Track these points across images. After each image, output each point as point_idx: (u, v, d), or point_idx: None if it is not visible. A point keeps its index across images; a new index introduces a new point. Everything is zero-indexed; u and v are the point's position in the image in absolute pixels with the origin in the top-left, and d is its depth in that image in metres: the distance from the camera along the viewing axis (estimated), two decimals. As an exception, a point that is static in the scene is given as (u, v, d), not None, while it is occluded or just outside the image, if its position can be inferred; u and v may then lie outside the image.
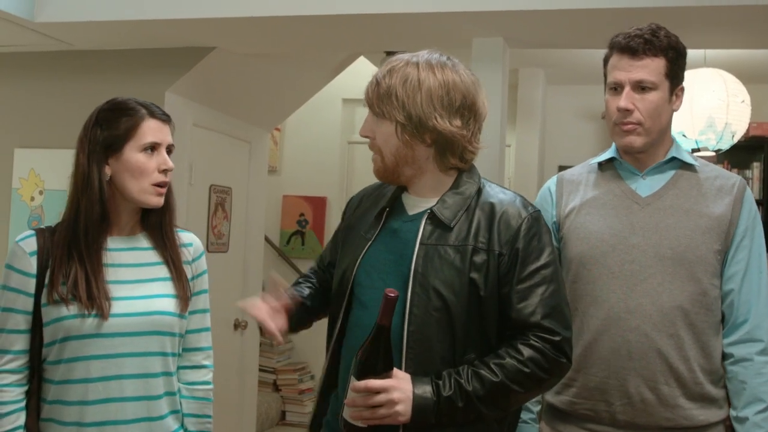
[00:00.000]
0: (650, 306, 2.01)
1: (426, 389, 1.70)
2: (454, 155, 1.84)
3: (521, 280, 1.76)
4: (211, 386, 2.16)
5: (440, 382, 1.71)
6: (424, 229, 1.81)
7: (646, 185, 2.11)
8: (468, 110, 1.82)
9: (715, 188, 2.08)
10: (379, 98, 1.82)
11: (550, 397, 2.15)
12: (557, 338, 1.75)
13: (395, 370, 1.71)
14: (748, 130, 4.41)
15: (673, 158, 2.11)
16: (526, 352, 1.73)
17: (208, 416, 2.14)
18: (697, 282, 2.01)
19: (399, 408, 1.68)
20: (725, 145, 4.24)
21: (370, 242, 1.88)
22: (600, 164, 2.19)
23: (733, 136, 4.22)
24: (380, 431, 1.73)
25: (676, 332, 2.00)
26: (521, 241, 1.78)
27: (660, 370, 1.99)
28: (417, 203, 1.87)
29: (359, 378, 1.69)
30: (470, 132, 1.83)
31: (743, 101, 4.19)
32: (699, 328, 2.02)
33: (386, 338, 1.68)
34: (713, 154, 4.30)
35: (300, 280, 2.12)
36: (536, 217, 1.82)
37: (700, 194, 2.07)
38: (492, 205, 1.82)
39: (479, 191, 1.85)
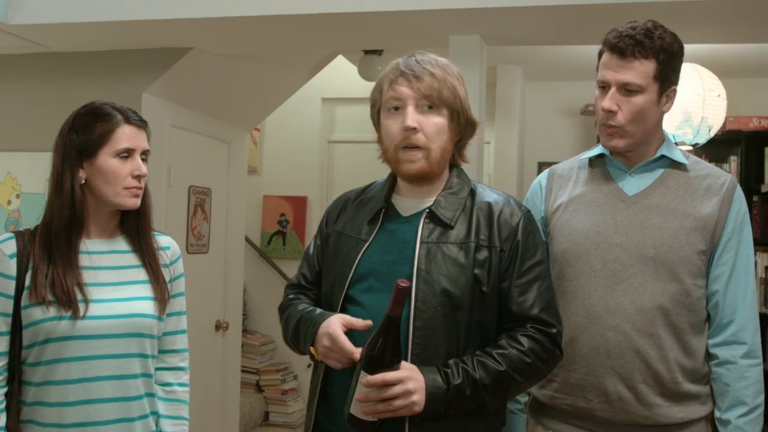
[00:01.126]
0: (630, 305, 2.00)
1: (436, 378, 1.75)
2: (465, 150, 1.96)
3: (521, 275, 1.86)
4: (187, 388, 2.18)
5: (449, 371, 1.76)
6: (423, 228, 1.87)
7: (634, 183, 2.09)
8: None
9: (703, 187, 2.06)
10: (436, 86, 1.83)
11: (534, 390, 2.17)
12: (553, 330, 1.86)
13: (402, 362, 1.74)
14: (724, 124, 4.45)
15: (663, 156, 2.09)
16: (527, 342, 1.82)
17: (185, 418, 2.16)
18: (680, 282, 2.00)
19: (415, 398, 1.72)
20: (702, 140, 4.27)
21: (368, 244, 1.91)
22: (590, 160, 2.18)
23: (709, 130, 4.25)
24: (386, 424, 1.76)
25: (656, 332, 1.99)
26: (520, 238, 1.88)
27: (638, 369, 1.99)
28: (410, 205, 1.93)
29: (372, 372, 1.70)
30: None
31: (719, 95, 4.22)
32: (680, 328, 2.01)
33: (397, 330, 1.71)
34: (690, 148, 4.33)
35: (296, 299, 2.06)
36: (530, 215, 1.94)
37: (687, 193, 2.05)
38: (489, 205, 1.91)
39: (472, 192, 1.94)
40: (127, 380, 2.00)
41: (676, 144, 4.21)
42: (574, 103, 5.53)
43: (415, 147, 1.84)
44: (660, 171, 2.09)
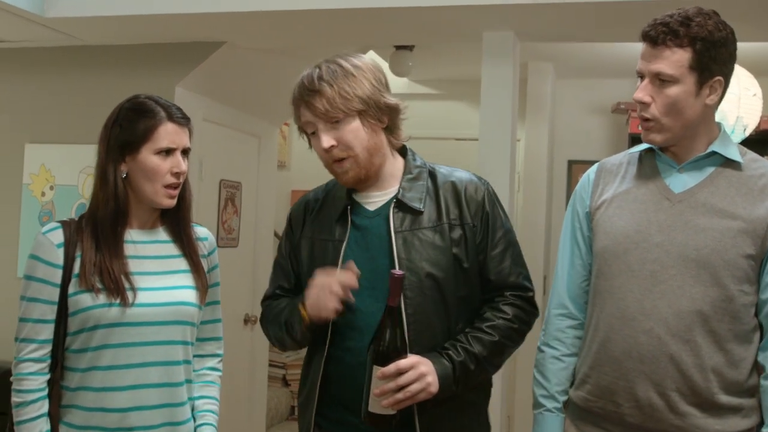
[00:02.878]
0: (666, 309, 1.90)
1: (441, 360, 1.86)
2: (397, 131, 2.00)
3: (494, 246, 1.98)
4: (220, 373, 2.25)
5: (450, 352, 1.88)
6: (393, 218, 1.92)
7: (682, 181, 1.98)
8: (389, 87, 1.98)
9: (758, 188, 1.92)
10: (330, 104, 1.87)
11: (571, 391, 2.11)
12: (530, 293, 2.02)
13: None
14: (759, 123, 4.38)
15: (715, 153, 1.97)
16: (510, 310, 1.97)
17: (215, 398, 2.20)
18: (722, 287, 1.88)
19: (429, 379, 1.81)
20: (737, 139, 4.22)
21: (345, 243, 1.94)
22: (641, 154, 2.08)
23: (744, 129, 4.19)
24: (403, 415, 1.83)
25: (693, 338, 1.88)
26: (488, 210, 1.98)
27: (671, 376, 1.89)
28: (373, 198, 1.98)
29: (384, 365, 1.76)
30: None
31: (755, 94, 4.16)
32: (721, 335, 1.89)
33: (399, 319, 1.81)
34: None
35: (273, 304, 2.10)
36: (490, 187, 2.04)
37: (738, 193, 1.92)
38: (454, 184, 1.99)
39: (431, 174, 2.01)
40: (171, 366, 2.03)
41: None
42: (605, 101, 5.48)
43: (341, 159, 1.92)
44: (711, 169, 1.97)
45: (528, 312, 2.01)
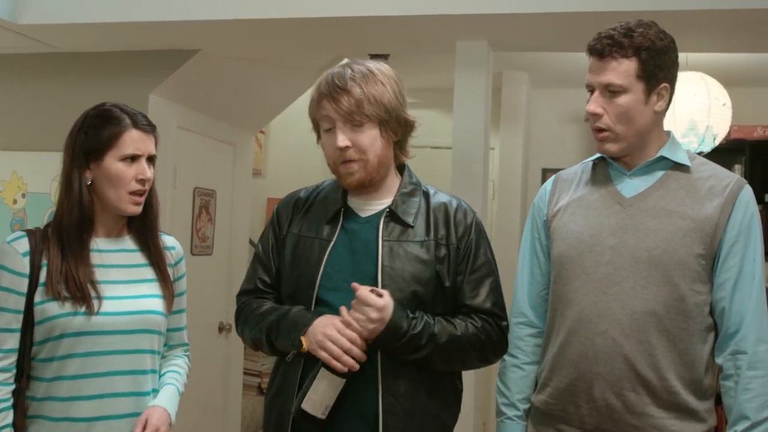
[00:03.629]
0: (620, 310, 1.95)
1: (404, 312, 1.89)
2: (406, 147, 2.05)
3: (473, 271, 2.00)
4: (186, 369, 2.24)
5: (415, 315, 1.90)
6: (383, 227, 1.95)
7: (632, 185, 2.05)
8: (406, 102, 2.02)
9: (705, 189, 1.98)
10: (358, 104, 1.89)
11: (533, 396, 2.16)
12: (504, 323, 2.04)
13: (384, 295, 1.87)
14: (729, 132, 4.44)
15: (663, 158, 2.03)
16: (480, 323, 1.98)
17: (181, 373, 2.20)
18: (674, 287, 1.93)
19: (372, 326, 1.85)
20: (707, 148, 4.27)
21: (332, 244, 1.96)
22: (594, 163, 2.15)
23: (714, 138, 4.25)
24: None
25: (647, 338, 1.93)
26: (473, 236, 2.02)
27: (626, 377, 1.94)
28: (367, 206, 2.01)
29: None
30: None
31: (724, 104, 4.22)
32: (675, 334, 1.94)
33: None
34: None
35: (258, 301, 2.08)
36: (478, 218, 2.08)
37: (687, 195, 1.99)
38: (445, 206, 2.03)
39: (425, 193, 2.05)
40: (138, 375, 2.03)
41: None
42: (580, 111, 5.50)
43: (351, 160, 1.94)
44: (660, 173, 2.04)
45: (498, 335, 2.01)
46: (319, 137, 2.03)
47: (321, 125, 1.99)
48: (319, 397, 1.84)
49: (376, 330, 1.85)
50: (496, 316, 2.01)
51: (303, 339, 1.88)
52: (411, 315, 1.89)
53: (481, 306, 1.99)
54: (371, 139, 1.92)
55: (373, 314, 1.83)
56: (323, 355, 1.84)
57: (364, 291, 1.84)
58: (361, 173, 1.94)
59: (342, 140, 1.91)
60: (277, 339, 1.95)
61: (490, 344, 1.99)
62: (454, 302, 1.99)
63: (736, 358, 1.93)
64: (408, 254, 1.93)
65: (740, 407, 1.91)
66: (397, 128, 1.97)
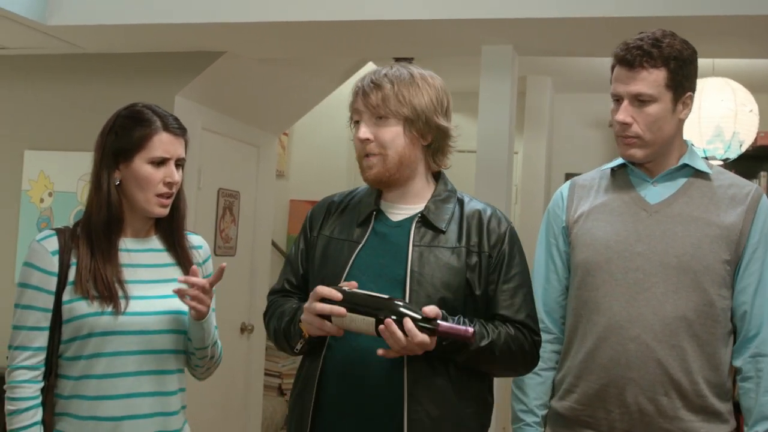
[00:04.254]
0: (652, 315, 1.98)
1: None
2: (443, 155, 2.02)
3: (507, 281, 1.94)
4: (219, 356, 2.21)
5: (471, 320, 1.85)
6: (415, 232, 1.93)
7: (656, 192, 2.07)
8: (450, 114, 2.01)
9: (728, 197, 2.03)
10: (384, 99, 1.91)
11: (554, 402, 2.16)
12: (537, 337, 1.96)
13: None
14: (756, 139, 4.41)
15: (685, 165, 2.07)
16: (514, 332, 1.91)
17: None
18: (703, 292, 1.97)
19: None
20: (733, 155, 4.24)
21: (361, 246, 1.95)
22: (612, 170, 2.17)
23: (741, 145, 4.22)
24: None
25: (679, 343, 1.96)
26: (506, 245, 1.96)
27: (659, 381, 1.96)
28: (399, 210, 2.00)
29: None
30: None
31: (751, 110, 4.19)
32: (704, 339, 1.97)
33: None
34: (721, 163, 4.30)
35: (281, 300, 2.08)
36: (513, 228, 2.02)
37: (711, 203, 2.02)
38: (479, 213, 1.99)
39: (459, 201, 2.02)
40: (164, 375, 2.04)
41: (707, 158, 4.20)
42: (603, 115, 5.50)
43: (371, 154, 1.94)
44: (683, 180, 2.07)
45: (530, 345, 1.93)
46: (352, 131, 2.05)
47: (353, 118, 2.01)
48: None
49: (413, 351, 1.77)
50: (530, 329, 1.94)
51: (301, 326, 1.89)
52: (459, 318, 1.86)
53: (515, 317, 1.92)
54: (393, 135, 1.92)
55: (419, 351, 1.77)
56: (314, 331, 1.84)
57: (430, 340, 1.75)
58: (379, 167, 1.94)
59: (364, 132, 1.93)
60: (291, 337, 1.96)
61: (522, 355, 1.93)
62: (486, 311, 1.94)
63: (758, 360, 1.98)
64: (438, 260, 1.90)
65: (762, 408, 1.95)
66: (426, 132, 1.95)
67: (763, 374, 1.96)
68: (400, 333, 1.71)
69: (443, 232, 1.94)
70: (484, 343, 1.84)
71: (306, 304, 1.85)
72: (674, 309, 1.97)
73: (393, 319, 1.71)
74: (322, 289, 1.79)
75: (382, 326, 1.72)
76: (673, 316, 1.97)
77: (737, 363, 2.01)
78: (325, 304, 1.78)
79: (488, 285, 1.94)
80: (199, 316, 2.02)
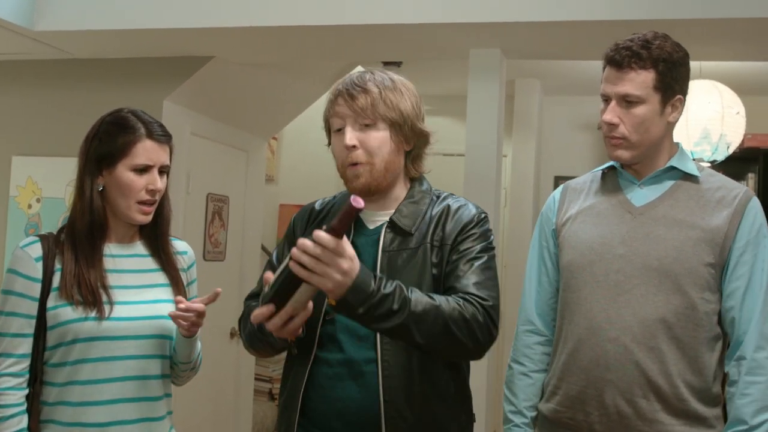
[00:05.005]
0: (631, 317, 1.96)
1: (370, 273, 1.67)
2: (420, 161, 2.00)
3: (462, 257, 1.87)
4: (199, 364, 2.21)
5: (383, 280, 1.69)
6: (384, 237, 1.91)
7: (642, 195, 2.07)
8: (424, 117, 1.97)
9: (715, 200, 2.01)
10: (373, 103, 1.88)
11: (540, 404, 2.16)
12: (488, 302, 1.83)
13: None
14: (743, 141, 4.43)
15: (673, 168, 2.06)
16: (462, 301, 1.79)
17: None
18: (684, 295, 1.95)
19: (345, 266, 1.60)
20: (720, 157, 4.26)
21: None
22: (603, 172, 2.17)
23: (728, 147, 4.24)
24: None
25: (657, 345, 1.94)
26: (468, 228, 1.91)
27: (637, 383, 1.95)
28: (375, 216, 1.97)
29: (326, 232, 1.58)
30: None
31: (738, 113, 4.21)
32: (685, 342, 1.95)
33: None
34: (708, 165, 4.32)
35: (252, 304, 2.04)
36: (486, 216, 1.97)
37: (697, 205, 2.01)
38: (448, 207, 1.96)
39: (433, 199, 1.98)
40: (149, 380, 2.03)
41: (694, 160, 4.21)
42: (592, 118, 5.51)
43: (358, 163, 1.89)
44: (670, 183, 2.06)
45: (482, 315, 1.80)
46: (330, 140, 2.00)
47: (332, 125, 1.96)
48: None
49: (344, 285, 1.61)
50: (480, 297, 1.81)
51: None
52: (378, 275, 1.71)
53: (465, 289, 1.82)
54: (380, 141, 1.89)
55: (345, 264, 1.60)
56: (293, 335, 1.76)
57: (333, 240, 1.57)
58: (366, 177, 1.89)
59: (350, 138, 1.88)
60: (268, 334, 1.83)
61: (476, 323, 1.78)
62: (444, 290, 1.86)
63: (739, 363, 1.96)
64: (406, 262, 1.88)
65: (737, 411, 1.92)
66: (411, 137, 1.94)
67: (740, 377, 1.94)
68: (309, 242, 1.57)
69: (411, 234, 1.91)
70: (420, 307, 1.70)
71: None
72: (654, 311, 1.95)
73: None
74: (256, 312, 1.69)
75: (294, 252, 1.58)
76: (652, 318, 1.95)
77: (726, 368, 1.99)
78: (258, 313, 1.67)
79: (448, 264, 1.88)
80: (189, 335, 2.03)
